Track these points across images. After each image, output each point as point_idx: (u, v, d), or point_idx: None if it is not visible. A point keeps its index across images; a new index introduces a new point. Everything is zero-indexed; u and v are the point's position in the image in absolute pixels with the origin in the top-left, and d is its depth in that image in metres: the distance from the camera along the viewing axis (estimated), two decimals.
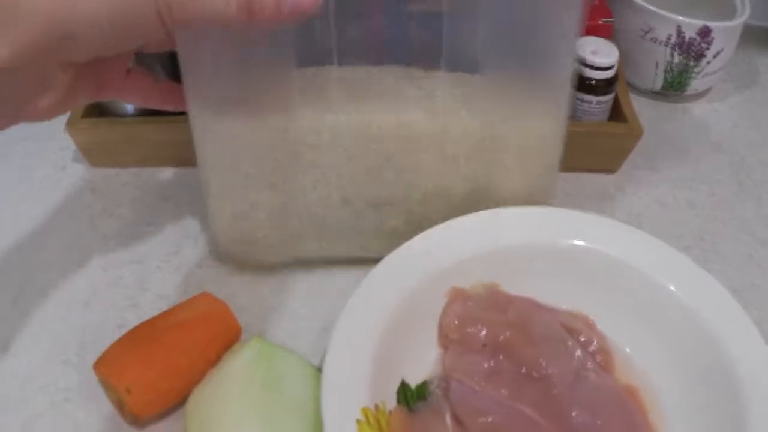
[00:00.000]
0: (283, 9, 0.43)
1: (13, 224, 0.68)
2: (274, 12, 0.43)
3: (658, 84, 0.83)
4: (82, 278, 0.64)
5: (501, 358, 0.56)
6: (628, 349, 0.58)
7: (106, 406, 0.55)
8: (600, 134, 0.73)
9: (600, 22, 0.76)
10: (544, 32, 0.54)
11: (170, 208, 0.70)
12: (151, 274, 0.64)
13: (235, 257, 0.65)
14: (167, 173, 0.73)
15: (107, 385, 0.53)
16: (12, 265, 0.65)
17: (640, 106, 0.76)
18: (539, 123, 0.59)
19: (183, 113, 0.56)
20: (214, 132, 0.57)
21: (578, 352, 0.56)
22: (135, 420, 0.53)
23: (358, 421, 0.48)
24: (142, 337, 0.54)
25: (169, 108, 0.56)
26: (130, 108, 0.71)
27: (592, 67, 0.71)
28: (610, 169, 0.75)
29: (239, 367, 0.52)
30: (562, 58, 0.57)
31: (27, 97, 0.43)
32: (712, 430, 0.51)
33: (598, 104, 0.72)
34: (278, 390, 0.51)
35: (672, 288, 0.57)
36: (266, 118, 0.56)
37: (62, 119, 0.71)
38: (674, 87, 0.83)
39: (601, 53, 0.71)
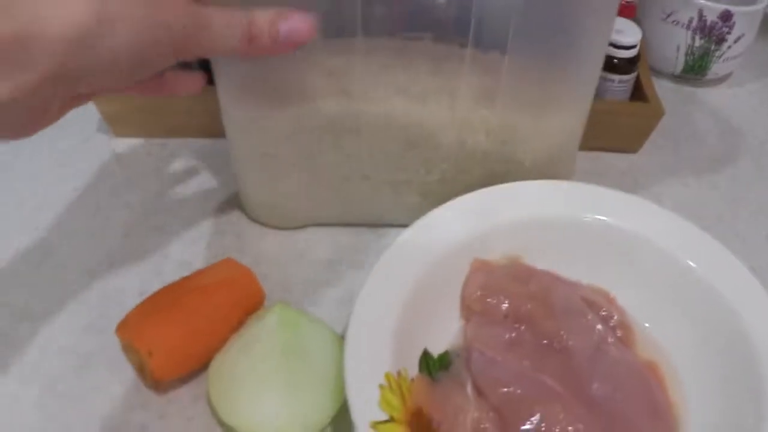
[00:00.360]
0: (277, 40, 0.45)
1: (36, 193, 0.69)
2: (268, 43, 0.45)
3: (679, 67, 0.83)
4: (105, 245, 0.64)
5: (522, 329, 0.56)
6: (647, 325, 0.58)
7: (127, 371, 0.55)
8: (622, 113, 0.73)
9: (624, 2, 0.76)
10: (579, 10, 0.53)
11: (194, 179, 0.70)
12: (173, 241, 0.64)
13: (260, 221, 0.66)
14: (192, 144, 0.74)
15: (129, 349, 0.54)
16: (35, 231, 0.65)
17: (661, 89, 0.76)
18: (562, 115, 0.60)
19: (212, 83, 0.57)
20: (240, 116, 0.58)
21: (599, 326, 0.56)
22: (156, 384, 0.54)
23: (380, 386, 0.48)
24: (164, 301, 0.54)
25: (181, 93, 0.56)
26: None
27: (615, 45, 0.71)
28: (632, 149, 0.75)
29: (262, 333, 0.53)
30: (596, 41, 0.56)
31: (21, 123, 0.40)
32: (731, 406, 0.51)
33: (620, 83, 0.73)
34: (300, 356, 0.52)
35: (692, 264, 0.57)
36: (290, 105, 0.57)
37: None
38: (695, 70, 0.83)
39: (625, 32, 0.72)
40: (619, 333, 0.57)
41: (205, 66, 0.69)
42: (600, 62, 0.58)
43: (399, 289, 0.53)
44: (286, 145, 0.59)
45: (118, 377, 0.55)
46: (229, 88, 0.57)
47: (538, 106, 0.58)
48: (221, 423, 0.52)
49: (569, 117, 0.60)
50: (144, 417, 0.53)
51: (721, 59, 0.82)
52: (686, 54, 0.82)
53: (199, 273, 0.57)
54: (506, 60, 0.54)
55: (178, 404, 0.54)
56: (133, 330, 0.53)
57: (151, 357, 0.51)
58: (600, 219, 0.59)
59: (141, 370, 0.54)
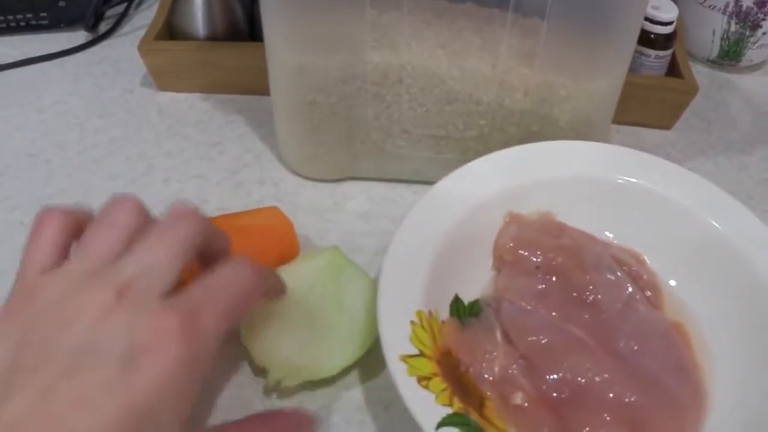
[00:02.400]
0: None
1: (82, 136, 0.71)
2: None
3: (715, 52, 0.84)
4: (146, 188, 0.66)
5: (553, 280, 0.56)
6: (675, 287, 0.58)
7: None
8: (657, 87, 0.74)
9: None
10: None
11: (234, 131, 0.72)
12: (212, 188, 0.66)
13: (299, 173, 0.67)
14: (234, 100, 0.75)
15: None
16: (77, 172, 0.67)
17: (695, 73, 0.77)
18: (599, 78, 0.61)
19: (256, 39, 0.58)
20: (287, 62, 0.59)
21: (628, 284, 0.57)
22: None
23: (412, 322, 0.49)
24: None
25: None
26: (202, 31, 0.73)
27: (652, 21, 0.72)
28: (666, 125, 0.76)
29: (308, 272, 0.54)
30: (632, 11, 0.57)
31: None
32: (756, 369, 0.52)
33: (656, 59, 0.74)
34: (336, 301, 0.53)
35: (721, 228, 0.57)
36: (336, 54, 0.58)
37: (134, 43, 0.73)
38: (730, 56, 0.84)
39: (662, 8, 0.72)
40: (648, 293, 0.58)
41: (251, 14, 0.71)
42: (636, 31, 0.59)
43: (433, 236, 0.54)
44: (330, 93, 0.60)
45: None
46: (278, 33, 0.58)
47: (575, 69, 0.59)
48: (250, 361, 0.53)
49: (605, 82, 0.61)
50: None
51: (756, 45, 0.82)
52: (722, 39, 0.82)
53: (242, 213, 0.58)
54: (545, 24, 0.56)
55: None
56: None
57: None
58: (632, 181, 0.60)
59: None
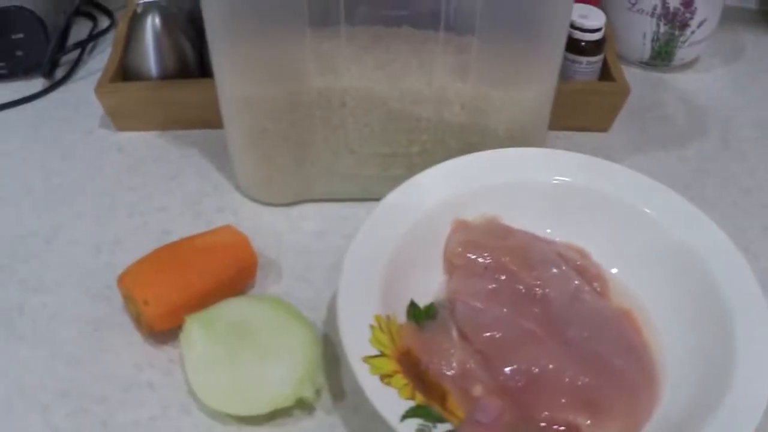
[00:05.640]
0: None
1: (46, 178, 0.74)
2: None
3: (646, 54, 0.88)
4: (111, 224, 0.69)
5: (502, 279, 0.59)
6: (620, 277, 0.62)
7: (134, 335, 0.60)
8: (590, 92, 0.78)
9: None
10: None
11: (192, 164, 0.75)
12: (174, 219, 0.69)
13: (255, 199, 0.70)
14: (189, 134, 0.78)
15: (128, 299, 0.58)
16: (45, 212, 0.70)
17: (630, 76, 0.80)
18: (530, 87, 0.64)
19: (206, 75, 0.61)
20: (236, 93, 0.63)
21: (574, 277, 0.60)
22: (151, 333, 0.58)
23: (371, 326, 0.52)
24: (164, 257, 0.59)
25: None
26: (154, 71, 0.76)
27: (581, 29, 0.76)
28: (603, 128, 0.80)
29: (254, 314, 0.56)
30: (556, 22, 0.62)
31: None
32: (703, 345, 0.55)
33: (588, 65, 0.78)
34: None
35: (657, 217, 0.61)
36: (282, 83, 0.62)
37: (90, 87, 0.76)
38: (662, 56, 0.88)
39: (589, 17, 0.77)
40: (595, 284, 0.61)
41: (200, 52, 0.75)
42: (562, 41, 0.63)
43: (384, 246, 0.58)
44: (279, 120, 0.63)
45: (126, 339, 0.59)
46: (226, 66, 0.62)
47: (507, 80, 0.63)
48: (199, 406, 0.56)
49: (536, 90, 0.65)
50: (151, 375, 0.57)
51: (686, 44, 0.86)
52: (652, 41, 0.86)
53: (200, 235, 0.61)
54: (475, 40, 0.60)
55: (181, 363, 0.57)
56: (132, 280, 0.57)
57: (146, 306, 0.56)
58: (568, 181, 0.63)
59: (137, 319, 0.58)
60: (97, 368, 0.57)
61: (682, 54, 0.88)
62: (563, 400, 0.52)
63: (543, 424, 0.52)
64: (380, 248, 0.57)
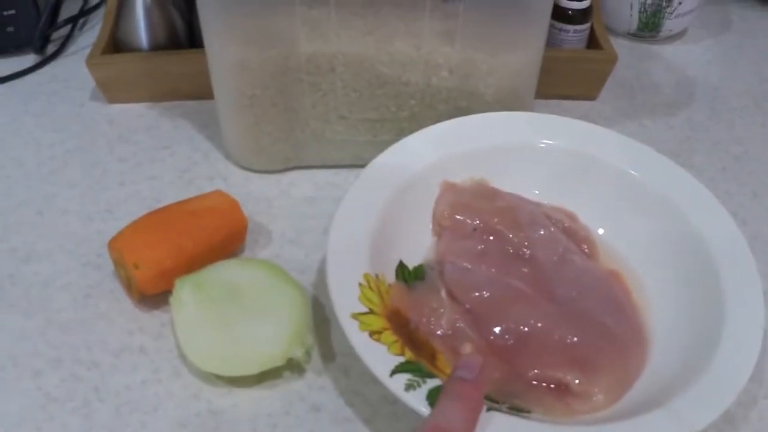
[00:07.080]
0: None
1: (37, 150, 0.74)
2: None
3: (634, 25, 0.88)
4: (102, 193, 0.69)
5: (491, 240, 0.60)
6: (607, 238, 0.63)
7: (125, 302, 0.60)
8: (577, 59, 0.79)
9: None
10: None
11: (182, 134, 0.75)
12: (165, 187, 0.69)
13: (245, 166, 0.71)
14: (179, 105, 0.79)
15: (119, 263, 0.59)
16: (37, 183, 0.70)
17: (618, 47, 0.81)
18: (517, 52, 0.65)
19: (195, 47, 0.62)
20: (225, 59, 0.63)
21: (562, 238, 0.60)
22: (141, 298, 0.59)
23: (360, 284, 0.53)
24: (154, 221, 0.59)
25: None
26: (145, 43, 0.76)
27: None
28: (591, 96, 0.81)
29: (244, 277, 0.56)
30: None
31: None
32: (692, 304, 0.56)
33: (575, 33, 0.78)
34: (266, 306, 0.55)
35: (642, 178, 0.62)
36: (271, 49, 0.62)
37: (81, 61, 0.77)
38: (649, 27, 0.88)
39: None
40: (584, 246, 0.62)
41: (190, 24, 0.75)
42: (548, 4, 0.63)
43: (374, 206, 0.58)
44: (268, 87, 0.64)
45: (117, 306, 0.60)
46: (216, 33, 0.62)
47: (494, 45, 0.63)
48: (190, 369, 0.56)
49: (523, 55, 0.65)
50: (142, 339, 0.58)
51: (673, 15, 0.87)
52: (639, 12, 0.87)
53: (189, 200, 0.62)
54: (462, 5, 0.60)
55: (172, 327, 0.58)
56: (123, 244, 0.57)
57: (136, 269, 0.56)
58: (555, 144, 0.64)
59: (128, 285, 0.59)
60: (88, 335, 0.58)
61: (670, 25, 0.88)
62: (553, 359, 0.53)
63: (533, 382, 0.52)
64: (369, 209, 0.58)
